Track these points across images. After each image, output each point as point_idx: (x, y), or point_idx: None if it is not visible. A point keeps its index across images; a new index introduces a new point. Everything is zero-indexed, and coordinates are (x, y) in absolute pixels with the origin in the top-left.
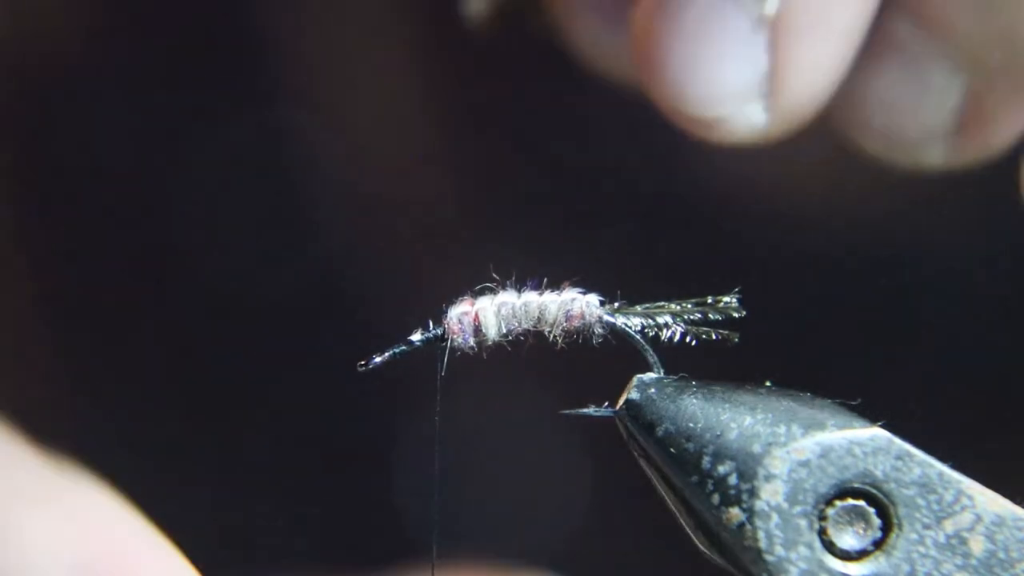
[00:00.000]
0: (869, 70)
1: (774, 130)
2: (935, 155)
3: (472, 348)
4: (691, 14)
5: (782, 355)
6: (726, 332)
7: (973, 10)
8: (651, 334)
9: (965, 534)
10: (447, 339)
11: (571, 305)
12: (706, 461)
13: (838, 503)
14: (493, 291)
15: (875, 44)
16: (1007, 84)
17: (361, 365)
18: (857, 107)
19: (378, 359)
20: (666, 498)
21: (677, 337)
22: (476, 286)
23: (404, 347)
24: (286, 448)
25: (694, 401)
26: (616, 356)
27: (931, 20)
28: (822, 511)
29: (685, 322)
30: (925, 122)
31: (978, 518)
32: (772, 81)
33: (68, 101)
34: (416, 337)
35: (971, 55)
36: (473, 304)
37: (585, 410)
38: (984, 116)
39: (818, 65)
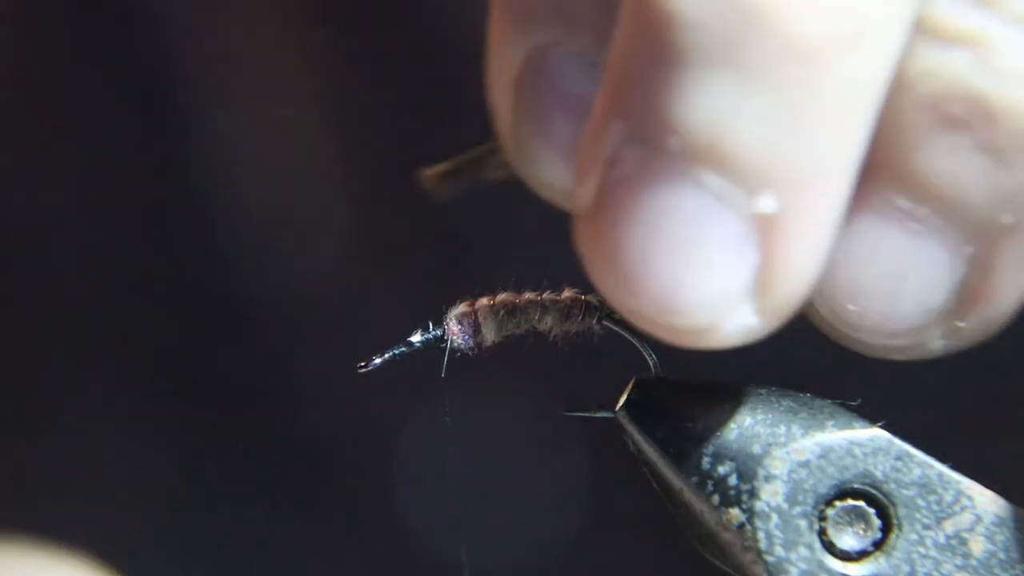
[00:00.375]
0: (848, 247)
1: (764, 330)
2: (930, 339)
3: (472, 349)
4: (676, 219)
5: (782, 355)
6: None
7: (982, 169)
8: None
9: (965, 535)
10: (447, 340)
11: (571, 306)
12: (706, 461)
13: (838, 504)
14: (492, 292)
15: (854, 216)
16: (1020, 243)
17: (361, 366)
18: (829, 290)
19: (378, 360)
20: (666, 498)
21: None
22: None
23: (404, 348)
24: (284, 450)
25: (694, 402)
26: (616, 356)
27: (928, 184)
28: (822, 512)
29: None
30: (920, 303)
31: (978, 519)
32: (763, 279)
33: None
34: (415, 338)
35: (979, 219)
36: (472, 305)
37: (585, 411)
38: (992, 286)
39: (812, 254)
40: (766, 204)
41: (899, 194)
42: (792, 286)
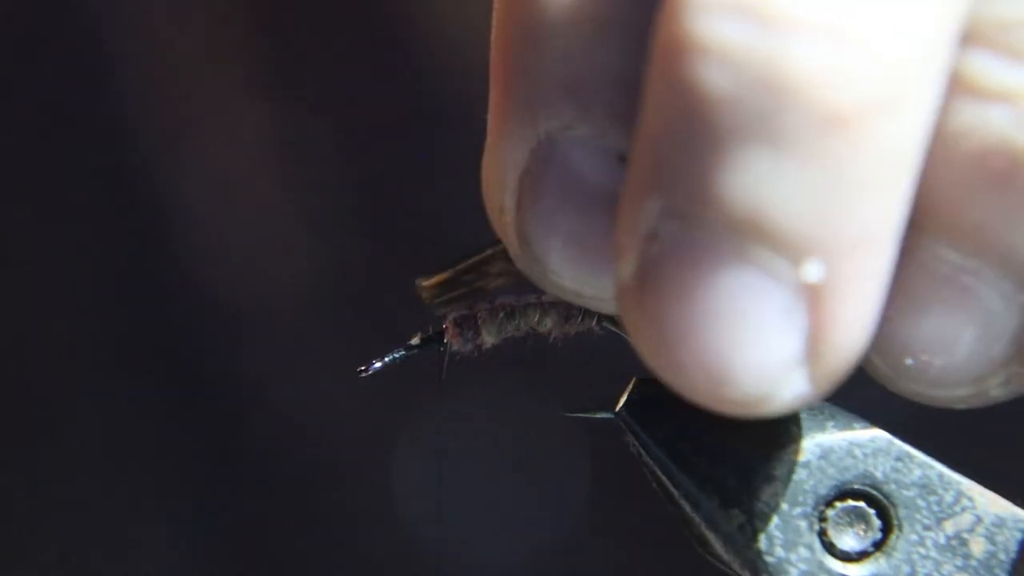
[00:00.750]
0: (902, 304)
1: (817, 394)
2: (992, 388)
3: (472, 352)
4: (720, 293)
5: None
6: None
7: None
8: None
9: (965, 535)
10: (446, 343)
11: (571, 308)
12: (706, 462)
13: (838, 504)
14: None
15: (904, 276)
16: None
17: (361, 370)
18: (887, 346)
19: (378, 364)
20: (665, 499)
21: None
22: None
23: (403, 351)
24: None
25: (694, 403)
26: (616, 357)
27: (977, 238)
28: (822, 512)
29: None
30: (979, 354)
31: (978, 519)
32: (814, 347)
33: None
34: (415, 341)
35: None
36: (472, 308)
37: (585, 411)
38: None
39: (862, 318)
40: (812, 273)
41: (948, 249)
42: (843, 351)
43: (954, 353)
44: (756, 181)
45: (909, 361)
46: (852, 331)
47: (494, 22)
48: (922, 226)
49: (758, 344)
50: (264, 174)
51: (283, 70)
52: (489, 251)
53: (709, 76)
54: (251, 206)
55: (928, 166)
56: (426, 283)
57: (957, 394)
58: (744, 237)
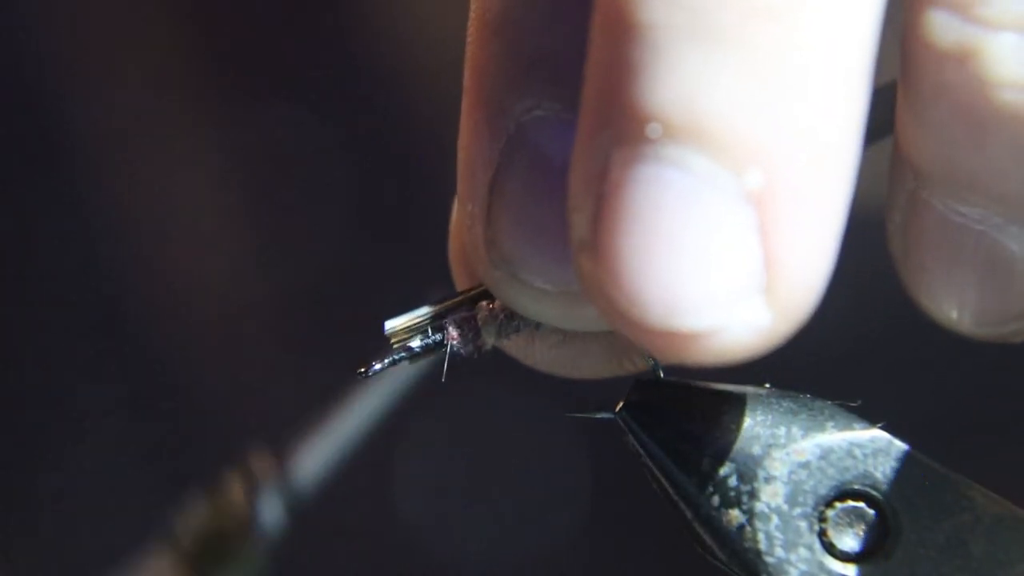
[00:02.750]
0: (929, 260)
1: (779, 329)
2: None
3: (473, 353)
4: (668, 211)
5: (782, 356)
6: None
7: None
8: None
9: (965, 535)
10: (447, 345)
11: None
12: (706, 463)
13: (838, 505)
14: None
15: (925, 230)
16: None
17: (361, 373)
18: (928, 299)
19: (378, 366)
20: (665, 499)
21: None
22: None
23: (404, 354)
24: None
25: (694, 403)
26: None
27: (976, 188)
28: (822, 513)
29: None
30: (1015, 296)
31: (978, 519)
32: (770, 268)
33: None
34: (415, 343)
35: None
36: (472, 309)
37: (585, 411)
38: None
39: (818, 237)
40: (754, 179)
41: (956, 201)
42: (801, 275)
43: (987, 299)
44: (689, 81)
45: (952, 313)
46: (809, 250)
47: (467, 34)
48: (927, 182)
49: (706, 266)
50: (264, 175)
51: (274, 70)
52: (459, 297)
53: None
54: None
55: (912, 127)
56: (394, 325)
57: (1008, 330)
58: (684, 146)
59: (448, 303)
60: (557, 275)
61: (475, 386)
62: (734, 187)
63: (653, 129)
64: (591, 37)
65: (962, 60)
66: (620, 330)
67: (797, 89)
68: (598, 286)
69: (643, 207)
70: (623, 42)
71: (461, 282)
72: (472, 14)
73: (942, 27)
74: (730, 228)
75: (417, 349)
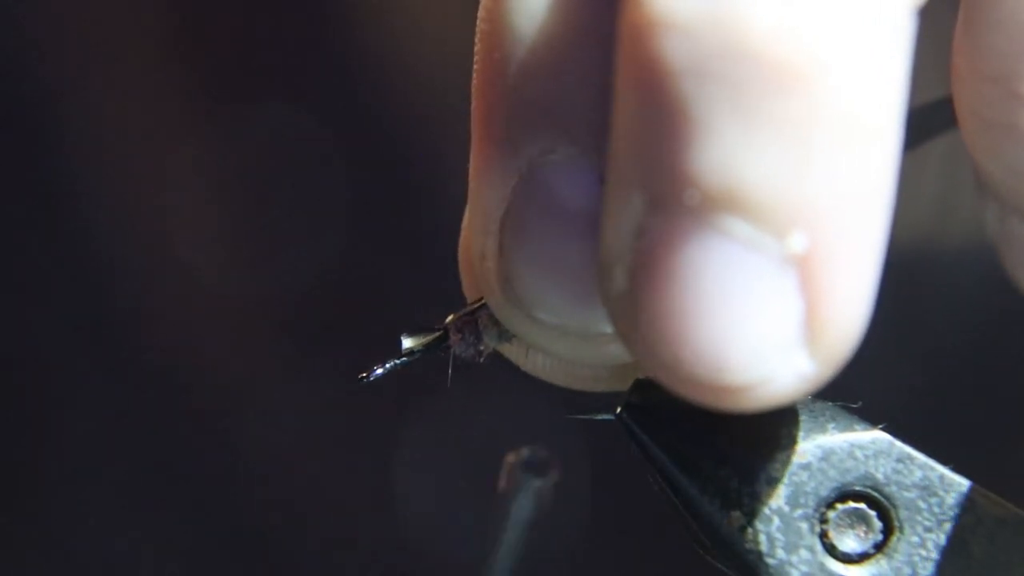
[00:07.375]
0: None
1: (822, 375)
2: None
3: (475, 356)
4: (711, 275)
5: None
6: None
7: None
8: None
9: (967, 537)
10: (449, 347)
11: None
12: (707, 464)
13: (839, 506)
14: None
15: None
16: None
17: (362, 377)
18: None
19: (379, 370)
20: (666, 500)
21: None
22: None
23: (405, 357)
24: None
25: (695, 404)
26: None
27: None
28: (823, 514)
29: None
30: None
31: (979, 521)
32: (812, 321)
33: None
34: (416, 346)
35: None
36: (473, 313)
37: (586, 413)
38: None
39: (858, 288)
40: (797, 243)
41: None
42: (843, 324)
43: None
44: (727, 152)
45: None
46: (849, 302)
47: (473, 69)
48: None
49: (753, 324)
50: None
51: (273, 71)
52: (455, 320)
53: (671, 49)
54: (249, 208)
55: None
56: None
57: None
58: (725, 213)
59: (458, 316)
60: (573, 314)
61: (475, 387)
62: (776, 251)
63: (691, 196)
64: (618, 93)
65: None
66: (662, 380)
67: (836, 155)
68: (641, 339)
69: (687, 270)
70: (657, 109)
71: (469, 290)
72: (478, 45)
73: None
74: (774, 288)
75: (419, 352)
